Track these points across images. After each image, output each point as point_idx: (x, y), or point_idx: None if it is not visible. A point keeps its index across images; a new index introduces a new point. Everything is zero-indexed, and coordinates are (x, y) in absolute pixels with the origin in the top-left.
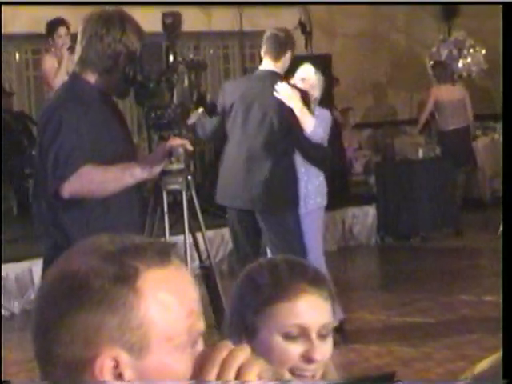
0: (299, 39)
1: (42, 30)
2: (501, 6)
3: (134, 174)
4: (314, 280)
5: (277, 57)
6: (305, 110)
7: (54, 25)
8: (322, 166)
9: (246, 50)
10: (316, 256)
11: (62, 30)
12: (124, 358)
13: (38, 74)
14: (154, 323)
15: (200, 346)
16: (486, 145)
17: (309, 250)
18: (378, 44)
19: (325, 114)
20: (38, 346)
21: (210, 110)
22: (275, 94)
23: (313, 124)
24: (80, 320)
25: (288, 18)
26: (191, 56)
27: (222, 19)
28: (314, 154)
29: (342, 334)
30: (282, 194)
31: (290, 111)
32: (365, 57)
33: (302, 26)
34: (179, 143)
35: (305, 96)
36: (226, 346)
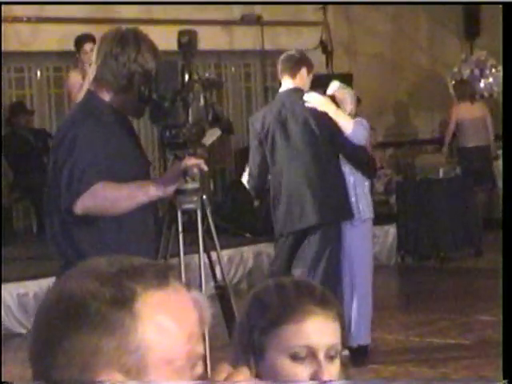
0: (320, 58)
1: (64, 47)
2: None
3: (147, 193)
4: (322, 301)
5: (292, 73)
6: (339, 112)
7: (81, 40)
8: (367, 172)
9: (267, 69)
10: (365, 272)
11: (88, 46)
12: (121, 381)
13: (60, 92)
14: (152, 347)
15: (199, 369)
16: None
17: (358, 265)
18: (400, 63)
19: (362, 121)
20: (36, 368)
21: (226, 129)
22: (306, 104)
23: (351, 125)
24: (77, 343)
25: (309, 36)
26: (207, 75)
27: (244, 38)
28: (358, 156)
29: (365, 356)
30: (337, 203)
31: (326, 116)
32: (386, 76)
33: (323, 44)
34: (194, 163)
35: (335, 101)
36: (225, 369)
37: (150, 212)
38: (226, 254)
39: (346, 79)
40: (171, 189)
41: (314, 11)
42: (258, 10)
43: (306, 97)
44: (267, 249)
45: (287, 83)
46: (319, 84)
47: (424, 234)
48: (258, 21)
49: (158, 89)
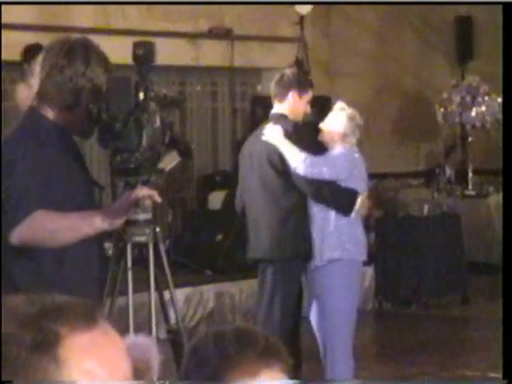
0: None
1: (7, 56)
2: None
3: (93, 224)
4: (266, 351)
5: (279, 97)
6: (285, 146)
7: (31, 51)
8: (338, 209)
9: (237, 88)
10: (340, 320)
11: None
12: None
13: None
14: None
15: None
16: (499, 203)
17: (329, 310)
18: (384, 87)
19: (346, 153)
20: None
21: (184, 153)
22: (263, 137)
23: (299, 159)
24: None
25: (284, 54)
26: (164, 91)
27: (211, 53)
28: (319, 193)
29: None
30: (288, 240)
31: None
32: (368, 100)
33: (299, 63)
34: (146, 194)
35: (306, 131)
36: None
37: (95, 244)
38: (183, 292)
39: (324, 103)
40: (119, 221)
41: (289, 26)
42: (227, 22)
43: (265, 130)
44: (230, 288)
45: (275, 108)
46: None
47: (405, 277)
48: (227, 34)
49: (109, 107)
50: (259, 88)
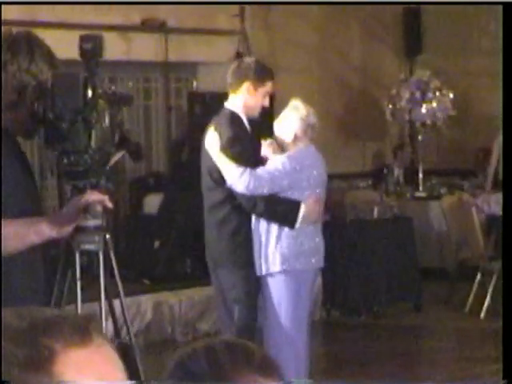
0: None
1: None
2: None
3: (39, 232)
4: (262, 367)
5: (233, 89)
6: (221, 158)
7: None
8: (278, 222)
9: (171, 84)
10: (285, 332)
11: None
12: None
13: None
14: None
15: None
16: (453, 205)
17: (275, 321)
18: (328, 82)
19: (292, 158)
20: None
21: (134, 154)
22: (205, 143)
23: (234, 175)
24: None
25: (223, 48)
26: (113, 88)
27: (144, 47)
28: (247, 207)
29: None
30: (221, 249)
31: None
32: (312, 97)
33: (240, 57)
34: (96, 199)
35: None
36: None
37: (40, 252)
38: (119, 303)
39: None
40: (68, 228)
41: (227, 18)
42: (162, 14)
43: (207, 133)
44: (169, 298)
45: (228, 101)
46: None
47: (354, 284)
48: (161, 27)
49: (55, 106)
50: (195, 84)
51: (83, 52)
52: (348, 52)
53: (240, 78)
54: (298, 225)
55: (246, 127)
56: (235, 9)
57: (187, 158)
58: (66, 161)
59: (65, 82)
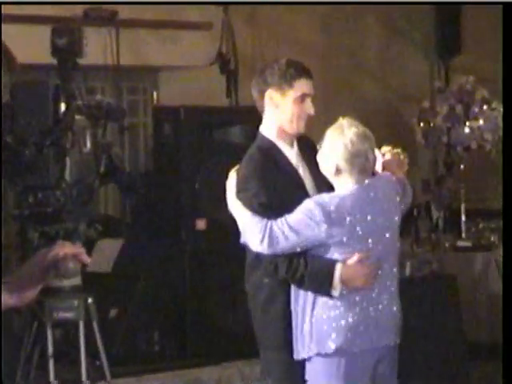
0: (218, 82)
1: None
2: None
3: None
4: None
5: (258, 105)
6: (236, 210)
7: None
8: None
9: (124, 96)
10: None
11: None
12: None
13: None
14: None
15: None
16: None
17: None
18: (339, 93)
19: (328, 202)
20: None
21: (125, 186)
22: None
23: (245, 226)
24: None
25: (199, 47)
26: (98, 98)
27: (89, 46)
28: (269, 269)
29: None
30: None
31: None
32: (318, 112)
33: (223, 59)
34: (69, 253)
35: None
36: None
37: None
38: None
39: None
40: (32, 292)
41: (202, 7)
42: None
43: None
44: None
45: (261, 126)
46: (218, 123)
47: None
48: (110, 19)
49: (15, 126)
50: (155, 96)
51: (56, 50)
52: (363, 53)
53: (260, 87)
54: (336, 292)
55: (281, 157)
56: None
57: (153, 199)
58: (30, 200)
59: (29, 93)
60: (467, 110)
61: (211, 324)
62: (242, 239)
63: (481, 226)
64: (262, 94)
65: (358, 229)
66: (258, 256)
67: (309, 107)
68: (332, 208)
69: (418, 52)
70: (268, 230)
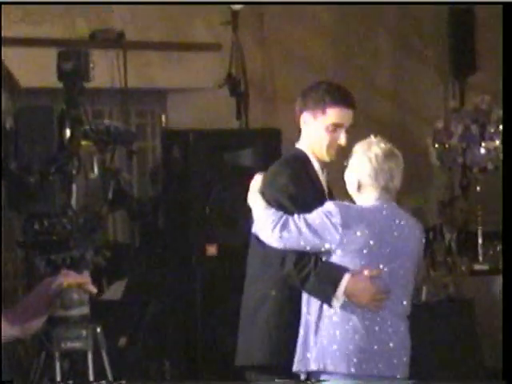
0: (228, 104)
1: None
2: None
3: None
4: None
5: (296, 121)
6: (255, 204)
7: None
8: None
9: (132, 119)
10: None
11: None
12: None
13: None
14: None
15: None
16: None
17: None
18: (354, 112)
19: (342, 209)
20: None
21: (134, 213)
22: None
23: (262, 218)
24: None
25: (207, 68)
26: (106, 122)
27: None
28: (275, 264)
29: None
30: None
31: None
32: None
33: (233, 82)
34: (73, 283)
35: None
36: None
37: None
38: None
39: (271, 137)
40: (37, 323)
41: (207, 27)
42: (117, 23)
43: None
44: None
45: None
46: (228, 146)
47: None
48: (117, 40)
49: (19, 153)
50: (163, 119)
51: (62, 74)
52: (375, 73)
53: (299, 107)
54: (337, 302)
55: (311, 169)
56: (220, 15)
57: (163, 224)
58: (36, 227)
59: (33, 119)
60: (483, 131)
61: (223, 352)
62: (254, 229)
63: (498, 248)
64: (299, 114)
65: (372, 244)
66: (264, 264)
67: (340, 137)
68: (352, 213)
69: (431, 71)
70: (283, 220)
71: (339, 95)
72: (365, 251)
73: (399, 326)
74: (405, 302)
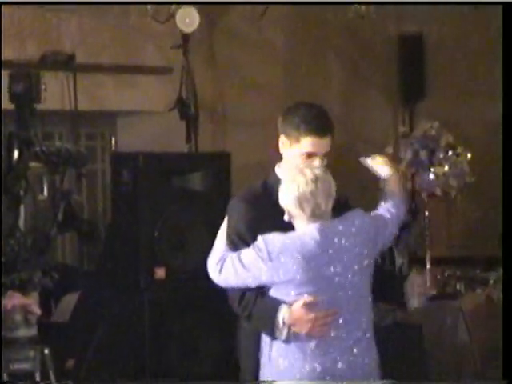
0: (178, 128)
1: None
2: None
3: None
4: None
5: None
6: (219, 234)
7: None
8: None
9: (82, 141)
10: None
11: None
12: None
13: None
14: None
15: None
16: (477, 307)
17: None
18: None
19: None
20: None
21: (85, 235)
22: None
23: (211, 256)
24: None
25: (150, 91)
26: (58, 144)
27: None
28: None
29: None
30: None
31: None
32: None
33: (183, 104)
34: (17, 305)
35: None
36: None
37: None
38: None
39: (221, 161)
40: None
41: (157, 50)
42: (67, 46)
43: None
44: None
45: None
46: (178, 170)
47: None
48: (68, 63)
49: None
50: (113, 141)
51: (14, 96)
52: (324, 96)
53: (279, 128)
54: (281, 335)
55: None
56: (171, 38)
57: (111, 247)
58: None
59: None
60: (432, 156)
61: (171, 375)
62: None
63: (446, 273)
64: (278, 135)
65: (303, 271)
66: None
67: (315, 164)
68: (277, 244)
69: (381, 96)
70: (222, 260)
71: (315, 124)
72: (298, 279)
73: (362, 353)
74: (364, 319)
